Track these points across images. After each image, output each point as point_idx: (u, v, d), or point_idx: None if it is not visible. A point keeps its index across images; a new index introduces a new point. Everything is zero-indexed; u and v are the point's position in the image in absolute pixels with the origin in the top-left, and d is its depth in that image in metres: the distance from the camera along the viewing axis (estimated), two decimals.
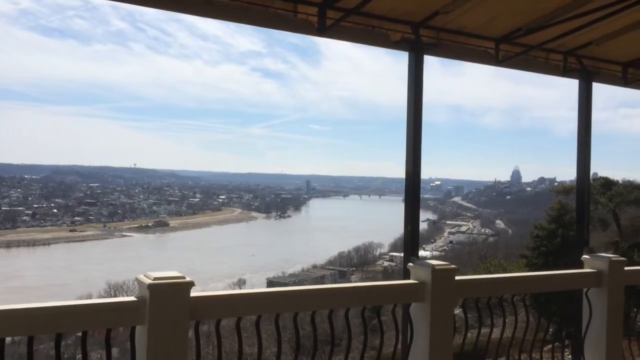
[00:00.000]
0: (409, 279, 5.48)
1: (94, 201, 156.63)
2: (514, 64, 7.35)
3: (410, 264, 5.53)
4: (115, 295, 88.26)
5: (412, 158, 6.01)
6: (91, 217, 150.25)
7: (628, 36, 7.08)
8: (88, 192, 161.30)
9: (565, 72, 7.63)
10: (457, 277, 5.40)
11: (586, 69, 7.72)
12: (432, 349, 5.05)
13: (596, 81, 7.83)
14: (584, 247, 7.52)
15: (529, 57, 7.39)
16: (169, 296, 3.96)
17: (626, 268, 6.78)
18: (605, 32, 7.04)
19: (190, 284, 4.05)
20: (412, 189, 6.13)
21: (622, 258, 6.80)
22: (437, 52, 6.61)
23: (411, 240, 6.21)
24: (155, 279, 3.94)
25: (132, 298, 4.07)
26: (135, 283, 4.14)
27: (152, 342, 3.89)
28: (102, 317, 3.92)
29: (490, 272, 35.55)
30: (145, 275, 4.06)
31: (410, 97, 6.14)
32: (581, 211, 7.93)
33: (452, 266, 5.35)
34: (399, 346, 5.44)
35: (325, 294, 5.04)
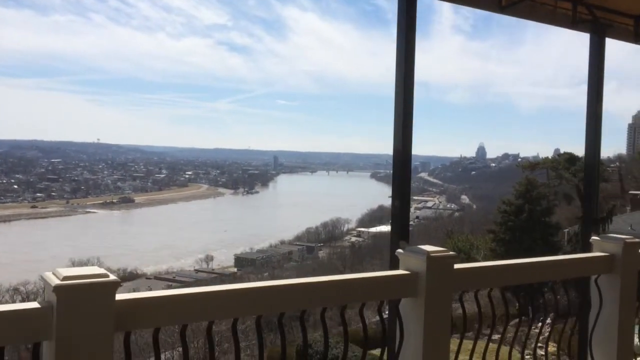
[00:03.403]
0: (397, 268, 4.53)
1: (55, 177, 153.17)
2: (518, 11, 6.42)
3: (400, 250, 4.51)
4: None
5: (402, 133, 5.10)
6: (53, 194, 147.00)
7: None
8: (49, 168, 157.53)
9: (574, 23, 6.65)
10: (456, 266, 4.52)
11: (598, 20, 6.71)
12: (426, 353, 4.23)
13: (609, 36, 6.84)
14: (592, 227, 6.65)
15: (535, 3, 6.44)
16: (84, 301, 2.99)
17: None
18: None
19: (116, 284, 3.08)
20: (402, 164, 5.19)
21: (637, 239, 5.81)
22: None
23: (400, 220, 5.11)
24: (65, 278, 2.96)
25: (35, 304, 3.05)
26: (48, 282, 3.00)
27: None
28: None
29: (458, 247, 35.72)
30: (53, 273, 3.06)
31: (400, 64, 5.11)
32: (590, 188, 6.98)
33: (451, 253, 4.46)
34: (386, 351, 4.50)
35: (295, 290, 4.04)
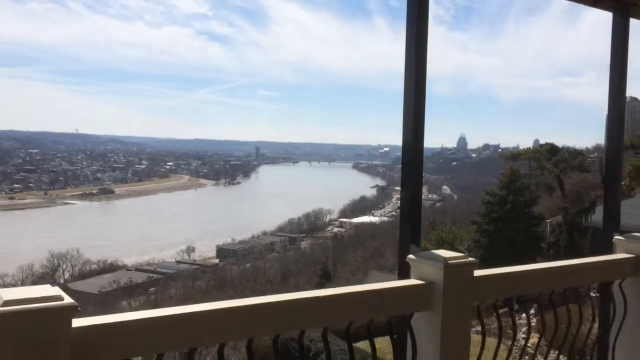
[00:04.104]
0: (407, 276, 3.98)
1: (33, 168, 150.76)
2: None
3: (411, 256, 3.94)
4: (59, 265, 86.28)
5: (413, 123, 4.61)
6: (31, 185, 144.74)
7: None
8: (27, 159, 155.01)
9: (597, 1, 6.03)
10: (475, 273, 4.00)
11: None
12: None
13: (633, 16, 6.22)
14: (614, 225, 5.97)
15: None
16: (32, 331, 2.47)
17: None
18: None
19: (72, 309, 2.54)
20: (413, 157, 4.66)
21: None
22: None
23: (409, 219, 4.46)
24: (5, 303, 2.39)
25: None
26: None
27: None
28: None
29: (442, 238, 35.84)
30: None
31: (410, 51, 4.60)
32: (611, 184, 6.39)
33: (470, 259, 3.94)
34: None
35: (291, 307, 3.43)
